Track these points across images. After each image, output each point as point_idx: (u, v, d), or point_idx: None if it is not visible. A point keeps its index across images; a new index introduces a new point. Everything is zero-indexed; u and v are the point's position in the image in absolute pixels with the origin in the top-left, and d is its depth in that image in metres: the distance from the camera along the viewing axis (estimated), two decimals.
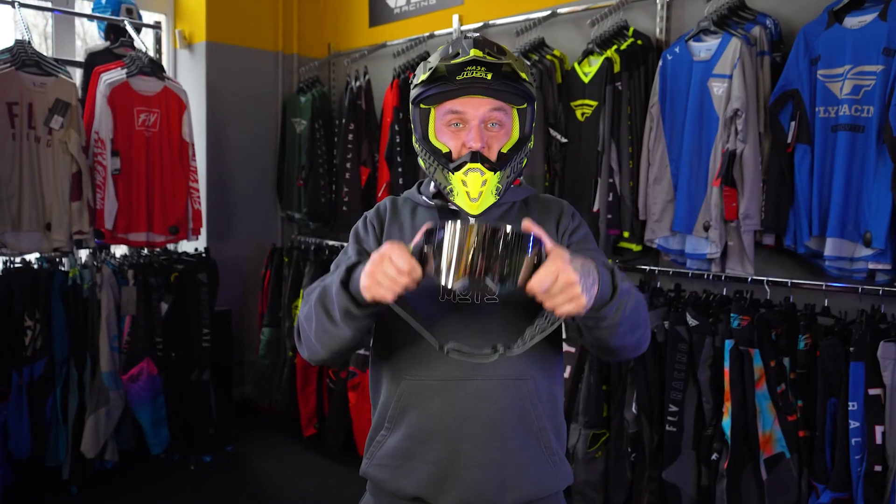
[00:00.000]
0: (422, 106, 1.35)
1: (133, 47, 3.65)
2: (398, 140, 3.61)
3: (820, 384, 2.27)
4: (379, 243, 1.39)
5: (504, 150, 1.32)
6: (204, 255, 3.77)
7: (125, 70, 3.43)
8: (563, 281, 1.05)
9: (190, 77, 4.25)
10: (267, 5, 4.46)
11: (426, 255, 1.08)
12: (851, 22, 2.26)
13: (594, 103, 2.86)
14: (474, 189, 1.29)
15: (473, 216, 1.32)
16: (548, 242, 1.09)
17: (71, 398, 3.27)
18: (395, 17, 4.16)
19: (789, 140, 2.40)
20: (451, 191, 1.32)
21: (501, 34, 3.54)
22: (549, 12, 3.26)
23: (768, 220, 2.47)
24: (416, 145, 1.39)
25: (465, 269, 1.04)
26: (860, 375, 2.16)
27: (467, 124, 1.31)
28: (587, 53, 2.97)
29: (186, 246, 3.98)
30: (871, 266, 2.24)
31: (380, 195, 3.72)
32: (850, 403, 2.18)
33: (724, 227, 2.56)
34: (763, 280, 2.52)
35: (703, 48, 2.61)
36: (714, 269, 2.62)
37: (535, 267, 1.06)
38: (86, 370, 3.29)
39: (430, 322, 1.24)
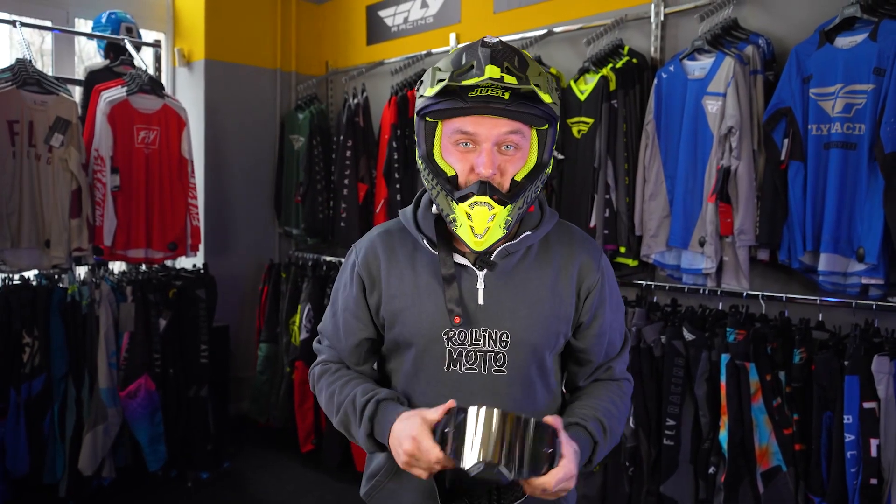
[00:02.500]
0: (427, 119, 1.21)
1: (133, 65, 3.68)
2: (396, 157, 3.65)
3: (815, 398, 2.30)
4: (366, 299, 1.31)
5: (518, 178, 1.19)
6: (202, 271, 3.79)
7: (125, 88, 3.46)
8: (565, 486, 1.10)
9: (189, 94, 4.28)
10: (265, 23, 4.50)
11: (446, 435, 1.10)
12: (842, 42, 2.31)
13: (590, 120, 2.90)
14: (480, 224, 1.16)
15: (478, 252, 1.22)
16: (562, 437, 1.12)
17: (69, 415, 3.26)
18: (392, 35, 4.21)
19: (783, 157, 2.43)
20: (455, 221, 1.19)
21: None
22: (545, 31, 3.31)
23: (763, 236, 2.50)
24: (419, 162, 1.24)
25: (485, 455, 1.04)
26: (855, 389, 2.18)
27: (478, 146, 1.17)
28: (583, 71, 3.01)
29: (185, 262, 3.99)
30: (864, 281, 2.27)
31: (377, 211, 3.75)
32: (845, 417, 2.20)
33: (720, 242, 2.59)
34: (758, 295, 2.55)
35: (698, 67, 2.65)
36: (710, 284, 2.65)
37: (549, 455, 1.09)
38: (84, 387, 3.29)
39: (434, 391, 1.26)
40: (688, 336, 2.56)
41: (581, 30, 3.22)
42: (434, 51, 3.82)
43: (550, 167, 1.26)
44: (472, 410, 1.07)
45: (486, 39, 1.18)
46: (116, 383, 3.34)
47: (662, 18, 2.96)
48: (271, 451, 4.07)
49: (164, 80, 4.19)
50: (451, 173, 1.20)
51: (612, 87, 2.85)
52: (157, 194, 3.56)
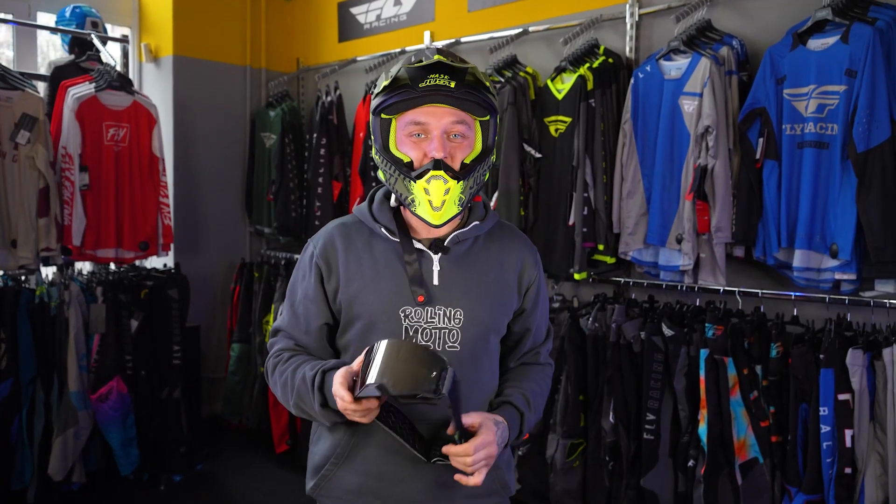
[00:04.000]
0: (382, 116, 1.32)
1: (100, 61, 3.59)
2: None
3: (792, 390, 2.36)
4: (324, 286, 1.39)
5: (467, 161, 1.32)
6: (174, 270, 3.72)
7: (93, 84, 3.38)
8: (487, 454, 1.23)
9: (156, 91, 4.19)
10: (234, 19, 4.43)
11: (365, 371, 1.15)
12: (815, 44, 2.37)
13: (568, 119, 2.93)
14: (437, 198, 1.28)
15: (437, 225, 1.31)
16: (475, 419, 1.25)
17: (37, 420, 3.18)
18: (364, 32, 4.19)
19: (758, 156, 2.49)
20: (413, 201, 1.30)
21: (473, 51, 3.59)
22: (520, 30, 3.32)
23: (739, 233, 2.56)
24: (375, 157, 1.36)
25: (380, 377, 1.11)
26: (830, 381, 2.25)
27: (429, 134, 1.29)
28: (560, 70, 3.03)
29: (155, 262, 3.91)
30: (837, 276, 2.34)
31: (353, 210, 3.72)
32: (820, 409, 2.27)
33: (697, 239, 2.64)
34: (735, 290, 2.61)
35: (674, 67, 2.70)
36: (687, 281, 2.70)
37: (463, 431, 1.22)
38: (53, 390, 3.21)
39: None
40: (667, 332, 2.61)
41: (556, 29, 3.25)
42: (408, 48, 3.80)
43: (494, 155, 1.39)
44: (377, 344, 1.15)
45: (431, 46, 1.36)
46: (87, 386, 3.27)
47: (637, 19, 3.00)
48: (245, 452, 4.02)
49: (130, 77, 4.10)
50: (406, 160, 1.32)
51: (590, 86, 2.88)
52: (127, 193, 3.49)
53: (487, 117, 1.32)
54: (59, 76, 3.51)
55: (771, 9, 2.68)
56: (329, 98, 3.94)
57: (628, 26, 3.02)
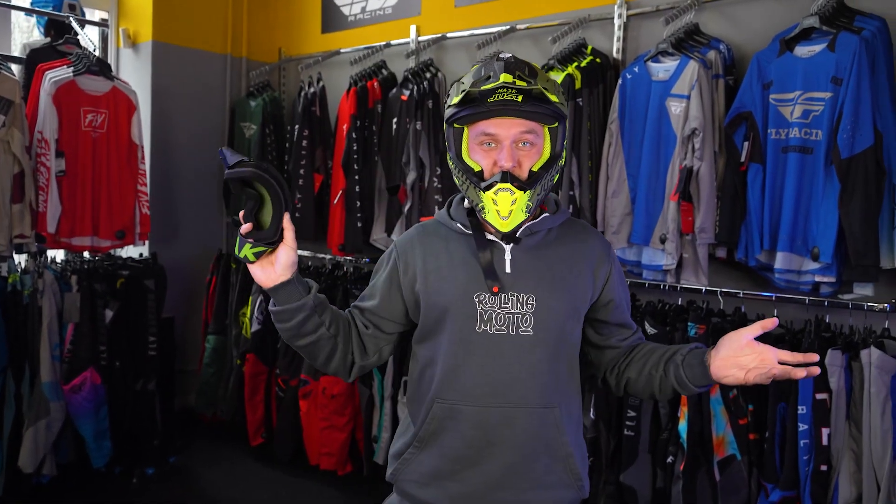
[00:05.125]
0: (455, 125, 1.40)
1: (78, 44, 3.51)
2: (355, 147, 3.61)
3: (771, 389, 2.41)
4: (398, 276, 1.48)
5: (535, 168, 1.37)
6: (151, 260, 3.66)
7: (72, 68, 3.30)
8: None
9: (134, 77, 4.10)
10: (215, 6, 4.36)
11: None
12: (802, 51, 2.42)
13: None
14: (504, 208, 1.35)
15: (505, 232, 1.39)
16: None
17: (7, 411, 3.10)
18: (349, 24, 4.16)
19: (743, 159, 2.54)
20: (483, 208, 1.38)
21: (459, 47, 3.59)
22: (507, 27, 3.33)
23: (722, 234, 2.61)
24: (449, 163, 1.44)
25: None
26: (809, 381, 2.30)
27: (499, 144, 1.35)
28: (547, 69, 3.05)
29: (130, 251, 3.84)
30: (817, 279, 2.39)
31: (335, 202, 3.70)
32: (799, 407, 2.32)
33: (680, 239, 2.68)
34: (716, 291, 2.65)
35: (662, 69, 2.73)
36: (669, 280, 2.74)
37: None
38: (24, 380, 3.13)
39: (466, 350, 1.40)
40: (650, 330, 2.64)
41: (543, 27, 3.26)
42: (393, 42, 3.79)
43: (563, 159, 1.43)
44: None
45: (500, 55, 1.38)
46: (60, 376, 3.20)
47: (625, 20, 3.03)
48: (219, 445, 3.97)
49: (108, 62, 4.01)
50: (477, 169, 1.39)
51: (578, 85, 2.90)
52: (104, 180, 3.42)
53: (556, 124, 1.38)
54: (35, 59, 3.43)
55: (757, 15, 2.73)
56: (312, 89, 3.91)
57: (616, 27, 3.04)
